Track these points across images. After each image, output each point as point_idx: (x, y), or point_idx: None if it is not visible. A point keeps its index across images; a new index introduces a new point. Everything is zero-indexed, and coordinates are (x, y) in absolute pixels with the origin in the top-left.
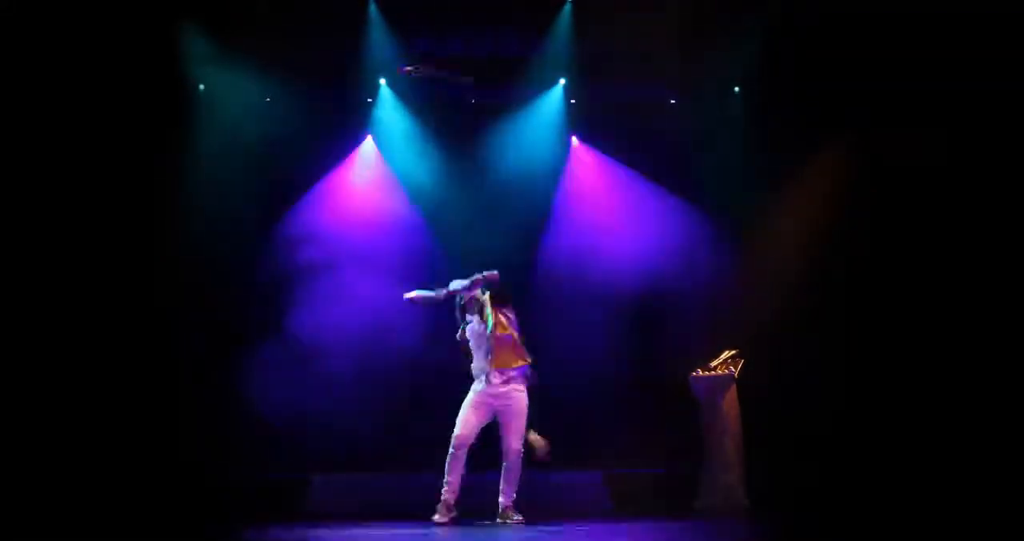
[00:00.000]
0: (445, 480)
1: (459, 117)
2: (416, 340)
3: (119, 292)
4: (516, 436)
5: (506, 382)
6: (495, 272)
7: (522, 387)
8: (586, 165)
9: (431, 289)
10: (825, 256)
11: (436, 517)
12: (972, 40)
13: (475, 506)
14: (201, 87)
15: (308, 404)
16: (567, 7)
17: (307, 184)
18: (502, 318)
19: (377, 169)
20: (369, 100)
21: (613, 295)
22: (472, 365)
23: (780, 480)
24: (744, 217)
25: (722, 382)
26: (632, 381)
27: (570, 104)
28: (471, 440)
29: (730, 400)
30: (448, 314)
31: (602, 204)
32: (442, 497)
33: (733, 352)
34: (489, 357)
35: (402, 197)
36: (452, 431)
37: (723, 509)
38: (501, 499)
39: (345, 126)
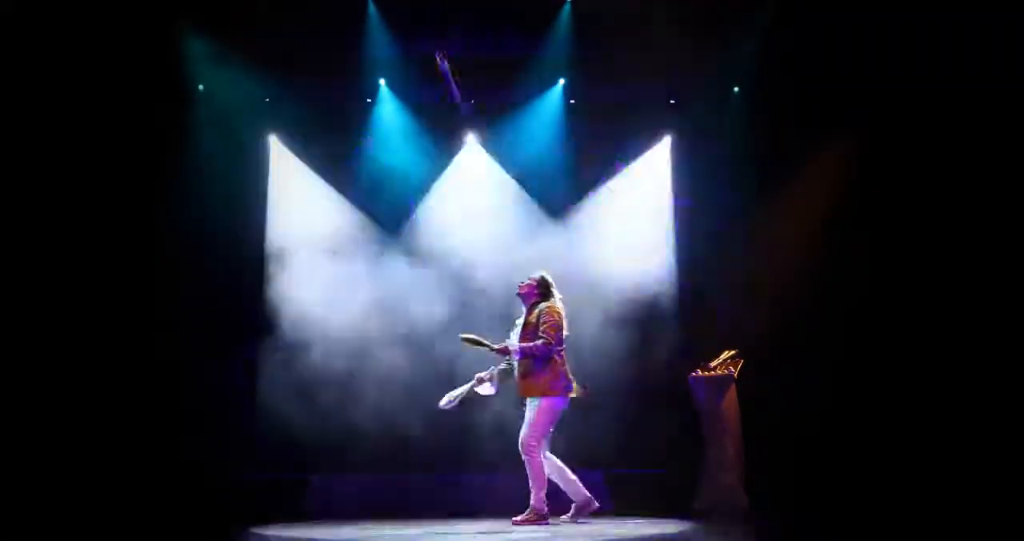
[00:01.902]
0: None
1: (459, 117)
2: (417, 340)
3: (118, 291)
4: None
5: None
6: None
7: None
8: (584, 165)
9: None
10: (825, 256)
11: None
12: (972, 40)
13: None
14: (201, 87)
15: (308, 404)
16: (567, 7)
17: (306, 184)
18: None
19: (376, 169)
20: (369, 100)
21: (613, 295)
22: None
23: (780, 480)
24: (744, 217)
25: (722, 382)
26: (632, 381)
27: (570, 104)
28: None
29: (730, 400)
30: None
31: (602, 204)
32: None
33: (733, 352)
34: None
35: (401, 197)
36: (451, 430)
37: (723, 509)
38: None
39: (345, 126)
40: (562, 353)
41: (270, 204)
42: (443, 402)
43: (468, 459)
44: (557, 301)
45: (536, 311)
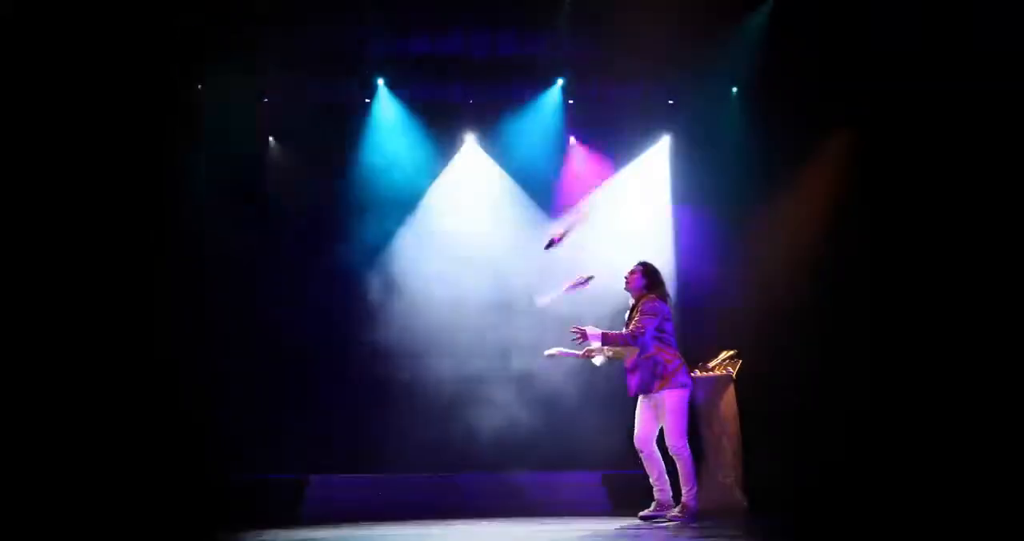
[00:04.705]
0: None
1: (458, 117)
2: (416, 340)
3: (117, 292)
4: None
5: None
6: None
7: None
8: (584, 165)
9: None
10: (824, 256)
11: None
12: (972, 39)
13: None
14: (200, 87)
15: (307, 404)
16: (567, 7)
17: (305, 184)
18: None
19: (375, 168)
20: (368, 100)
21: (612, 295)
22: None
23: (779, 480)
24: (743, 217)
25: (720, 383)
26: None
27: (569, 104)
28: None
29: (728, 401)
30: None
31: (601, 204)
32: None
33: (731, 353)
34: None
35: (400, 196)
36: (450, 430)
37: (722, 509)
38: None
39: (343, 126)
40: (669, 345)
41: (268, 204)
42: (552, 350)
43: (468, 459)
44: (665, 290)
45: (640, 302)
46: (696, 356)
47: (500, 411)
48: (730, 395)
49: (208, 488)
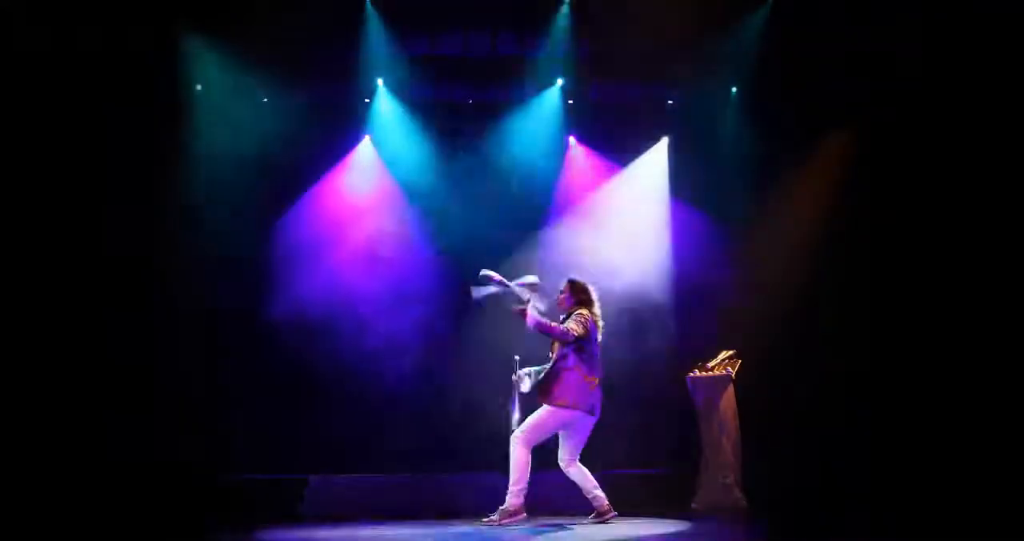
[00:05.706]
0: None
1: (457, 117)
2: (416, 341)
3: (117, 291)
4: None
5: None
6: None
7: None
8: (584, 165)
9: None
10: (824, 256)
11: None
12: (971, 39)
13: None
14: (199, 87)
15: (307, 404)
16: (565, 7)
17: (305, 184)
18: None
19: (375, 169)
20: (367, 100)
21: (611, 295)
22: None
23: (778, 480)
24: (743, 217)
25: (720, 383)
26: (631, 381)
27: (568, 104)
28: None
29: (728, 401)
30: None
31: (600, 204)
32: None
33: (731, 353)
34: None
35: (400, 197)
36: (450, 430)
37: (721, 509)
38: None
39: (343, 126)
40: (590, 366)
41: (267, 204)
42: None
43: (468, 459)
44: (596, 308)
45: (570, 315)
46: (696, 356)
47: (501, 410)
48: (729, 395)
49: (208, 488)
